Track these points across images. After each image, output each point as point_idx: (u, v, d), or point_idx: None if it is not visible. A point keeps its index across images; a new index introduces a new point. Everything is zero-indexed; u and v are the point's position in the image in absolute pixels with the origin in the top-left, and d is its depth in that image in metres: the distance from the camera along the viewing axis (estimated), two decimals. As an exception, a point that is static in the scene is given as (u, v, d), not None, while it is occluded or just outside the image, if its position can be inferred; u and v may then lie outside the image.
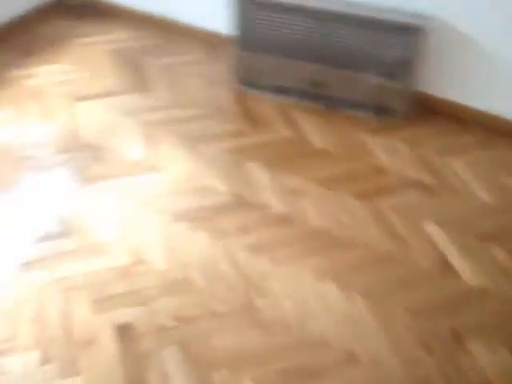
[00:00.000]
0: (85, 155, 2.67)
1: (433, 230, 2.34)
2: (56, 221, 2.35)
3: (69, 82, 3.13)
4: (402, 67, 2.72)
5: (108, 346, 1.91)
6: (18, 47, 3.41)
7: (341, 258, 2.22)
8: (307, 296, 2.08)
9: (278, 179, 2.55)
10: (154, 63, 3.28)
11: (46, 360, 1.87)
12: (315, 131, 2.83)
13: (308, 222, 2.36)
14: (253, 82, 3.04)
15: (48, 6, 3.74)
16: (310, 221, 2.37)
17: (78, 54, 3.37)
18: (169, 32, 3.53)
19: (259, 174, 2.58)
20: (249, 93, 3.06)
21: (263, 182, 2.54)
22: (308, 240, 2.29)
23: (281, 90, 3.01)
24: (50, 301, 2.05)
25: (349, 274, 2.17)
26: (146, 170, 2.59)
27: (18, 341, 1.92)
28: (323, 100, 2.95)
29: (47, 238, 2.28)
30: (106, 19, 3.69)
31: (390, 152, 2.71)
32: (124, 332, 1.96)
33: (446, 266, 2.19)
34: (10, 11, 3.51)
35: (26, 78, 3.16)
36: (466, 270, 2.18)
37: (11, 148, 2.72)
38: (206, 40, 3.43)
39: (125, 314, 2.01)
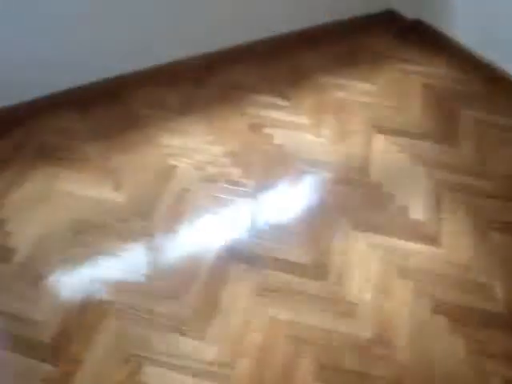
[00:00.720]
0: (365, 195, 2.47)
1: None
2: (309, 254, 2.21)
3: (373, 107, 2.95)
4: None
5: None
6: (337, 53, 3.33)
7: None
8: None
9: None
10: (470, 115, 2.91)
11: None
12: None
13: None
14: None
15: (378, 17, 3.59)
16: None
17: (391, 78, 3.16)
18: (497, 85, 3.09)
19: (552, 298, 2.11)
20: None
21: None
22: None
23: None
24: (278, 342, 1.92)
25: None
26: (422, 238, 2.29)
27: (233, 371, 1.84)
28: None
29: (295, 269, 2.16)
30: (431, 48, 3.39)
31: None
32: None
33: None
34: (336, 14, 3.45)
35: (333, 88, 3.06)
36: None
37: (291, 154, 2.66)
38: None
39: (346, 397, 1.79)
